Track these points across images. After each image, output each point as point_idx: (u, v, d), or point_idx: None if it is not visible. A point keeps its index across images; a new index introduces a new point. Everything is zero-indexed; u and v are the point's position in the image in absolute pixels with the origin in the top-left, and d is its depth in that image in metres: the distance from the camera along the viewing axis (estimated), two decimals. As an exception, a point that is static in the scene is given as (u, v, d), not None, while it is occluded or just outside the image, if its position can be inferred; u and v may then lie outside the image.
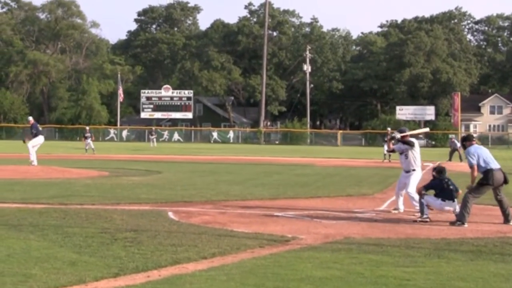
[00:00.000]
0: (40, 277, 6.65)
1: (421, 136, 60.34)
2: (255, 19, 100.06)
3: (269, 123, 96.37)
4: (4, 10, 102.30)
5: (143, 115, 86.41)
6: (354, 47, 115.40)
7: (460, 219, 10.97)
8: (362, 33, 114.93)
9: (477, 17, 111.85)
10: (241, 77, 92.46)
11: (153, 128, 73.57)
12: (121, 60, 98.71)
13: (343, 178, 22.33)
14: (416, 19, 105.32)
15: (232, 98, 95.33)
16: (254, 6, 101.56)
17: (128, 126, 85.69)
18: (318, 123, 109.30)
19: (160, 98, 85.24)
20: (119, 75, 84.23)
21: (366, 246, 8.82)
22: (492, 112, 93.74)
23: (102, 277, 6.73)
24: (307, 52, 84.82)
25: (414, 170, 12.49)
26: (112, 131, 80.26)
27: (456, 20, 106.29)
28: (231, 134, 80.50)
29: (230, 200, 14.36)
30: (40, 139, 23.70)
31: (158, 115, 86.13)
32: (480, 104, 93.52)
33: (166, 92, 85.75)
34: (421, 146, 13.98)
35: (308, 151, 51.55)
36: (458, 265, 7.61)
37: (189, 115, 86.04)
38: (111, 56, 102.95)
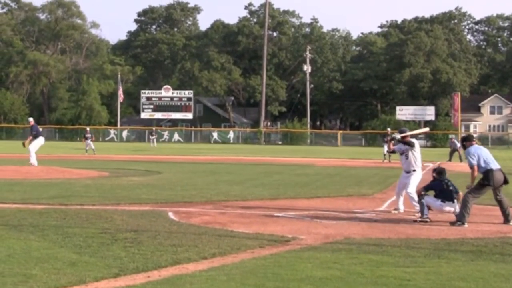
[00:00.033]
0: (40, 277, 6.65)
1: (421, 136, 60.35)
2: (255, 20, 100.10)
3: (269, 124, 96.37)
4: (4, 10, 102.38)
5: (143, 115, 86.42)
6: (354, 47, 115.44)
7: (460, 219, 10.97)
8: (362, 33, 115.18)
9: (477, 18, 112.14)
10: (241, 78, 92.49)
11: (153, 128, 73.60)
12: (121, 60, 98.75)
13: (343, 178, 22.33)
14: (416, 19, 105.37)
15: (232, 98, 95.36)
16: (254, 6, 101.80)
17: (128, 126, 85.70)
18: (318, 123, 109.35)
19: (160, 98, 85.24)
20: (119, 76, 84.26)
21: (366, 246, 8.82)
22: (492, 112, 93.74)
23: (102, 277, 6.74)
24: (307, 53, 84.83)
25: (414, 170, 12.49)
26: (112, 131, 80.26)
27: (456, 21, 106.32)
28: (231, 135, 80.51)
29: (230, 201, 14.36)
30: (40, 140, 23.70)
31: (158, 115, 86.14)
32: (480, 104, 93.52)
33: (166, 92, 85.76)
34: (421, 146, 13.98)
35: (308, 151, 51.56)
36: (458, 265, 7.61)
37: (189, 115, 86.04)
38: (111, 57, 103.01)
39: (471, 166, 11.24)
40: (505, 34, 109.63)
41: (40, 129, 25.68)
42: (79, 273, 6.87)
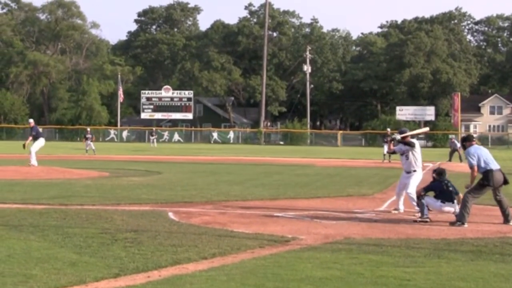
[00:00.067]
0: (40, 277, 6.66)
1: (421, 136, 60.34)
2: (255, 20, 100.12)
3: (269, 124, 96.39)
4: (4, 11, 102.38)
5: (143, 115, 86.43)
6: (354, 47, 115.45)
7: (460, 219, 10.98)
8: (362, 33, 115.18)
9: (477, 18, 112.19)
10: (241, 78, 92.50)
11: (154, 128, 73.60)
12: (121, 60, 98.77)
13: (343, 178, 22.33)
14: (416, 19, 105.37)
15: (232, 98, 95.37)
16: (254, 6, 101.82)
17: (128, 126, 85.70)
18: (318, 123, 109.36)
19: (160, 98, 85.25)
20: (119, 76, 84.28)
21: (366, 246, 8.83)
22: (492, 113, 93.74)
23: (102, 277, 6.74)
24: (307, 53, 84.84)
25: (415, 171, 12.48)
26: (112, 131, 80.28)
27: (456, 21, 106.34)
28: (231, 135, 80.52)
29: (230, 201, 14.37)
30: (41, 142, 23.69)
31: (158, 115, 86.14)
32: (480, 105, 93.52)
33: (166, 92, 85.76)
34: (422, 146, 13.97)
35: (308, 152, 51.56)
36: (458, 265, 7.62)
37: (189, 115, 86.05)
38: (111, 57, 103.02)
39: (471, 167, 11.24)
40: (505, 34, 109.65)
41: (40, 130, 25.67)
42: (79, 273, 6.87)
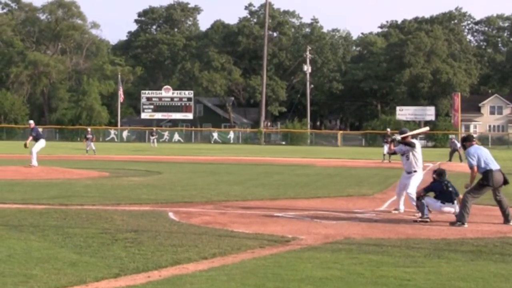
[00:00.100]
0: (40, 277, 6.66)
1: (421, 136, 60.34)
2: (255, 20, 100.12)
3: (269, 124, 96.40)
4: (5, 11, 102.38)
5: (144, 115, 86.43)
6: (354, 47, 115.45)
7: (460, 219, 10.98)
8: (362, 33, 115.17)
9: (477, 18, 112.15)
10: (241, 78, 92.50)
11: (154, 128, 73.59)
12: (121, 60, 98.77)
13: (343, 178, 22.33)
14: (416, 19, 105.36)
15: (233, 98, 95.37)
16: (254, 6, 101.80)
17: (129, 126, 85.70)
18: (318, 123, 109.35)
19: (160, 98, 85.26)
20: (119, 76, 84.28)
21: (366, 246, 8.83)
22: (492, 113, 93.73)
23: (102, 277, 6.75)
24: (307, 53, 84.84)
25: (415, 171, 12.47)
26: (112, 131, 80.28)
27: (456, 21, 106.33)
28: (231, 135, 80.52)
29: (230, 201, 14.37)
30: (41, 143, 23.68)
31: (158, 115, 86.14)
32: (480, 105, 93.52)
33: (167, 92, 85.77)
34: (422, 147, 13.97)
35: (308, 152, 51.55)
36: (458, 265, 7.62)
37: (189, 115, 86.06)
38: (112, 57, 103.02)
39: (471, 167, 11.24)
40: (505, 34, 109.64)
41: (41, 131, 25.65)
42: (79, 273, 6.87)
